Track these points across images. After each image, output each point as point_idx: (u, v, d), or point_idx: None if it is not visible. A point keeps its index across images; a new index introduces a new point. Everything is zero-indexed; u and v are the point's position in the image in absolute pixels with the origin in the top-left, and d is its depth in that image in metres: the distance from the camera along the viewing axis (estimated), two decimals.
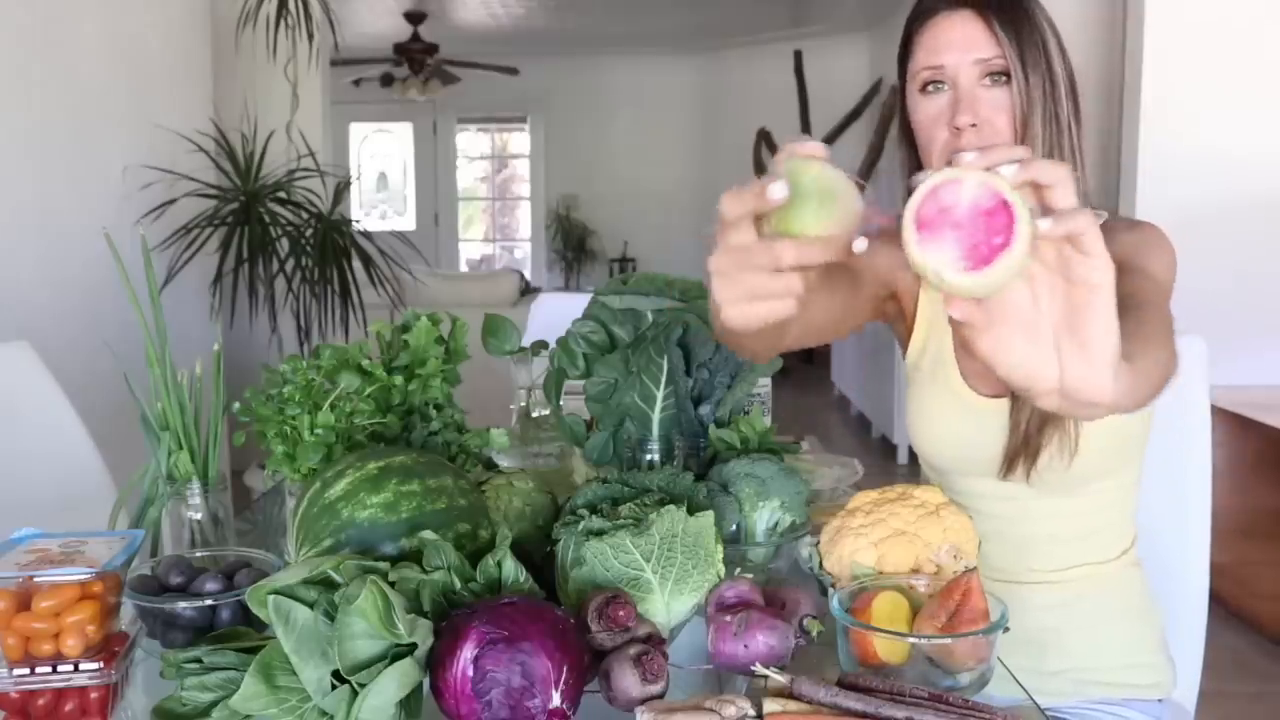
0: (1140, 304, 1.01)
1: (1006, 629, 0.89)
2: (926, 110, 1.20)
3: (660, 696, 0.87)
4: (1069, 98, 1.18)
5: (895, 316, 1.39)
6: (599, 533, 0.99)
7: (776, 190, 0.66)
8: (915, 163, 1.26)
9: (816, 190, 0.66)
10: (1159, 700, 1.30)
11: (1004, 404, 1.23)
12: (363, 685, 0.80)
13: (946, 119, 1.18)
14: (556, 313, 2.16)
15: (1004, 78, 1.16)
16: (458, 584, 0.92)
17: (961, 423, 1.28)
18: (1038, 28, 1.16)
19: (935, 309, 1.32)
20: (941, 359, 1.30)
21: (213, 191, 3.67)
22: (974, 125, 1.16)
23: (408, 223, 10.42)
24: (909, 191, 0.62)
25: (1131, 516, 1.34)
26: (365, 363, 1.24)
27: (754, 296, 0.70)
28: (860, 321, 1.34)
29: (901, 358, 1.39)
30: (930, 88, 1.19)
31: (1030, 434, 1.21)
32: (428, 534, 0.95)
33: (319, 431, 1.17)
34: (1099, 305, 0.64)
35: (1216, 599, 1.57)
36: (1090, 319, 0.64)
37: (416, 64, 8.30)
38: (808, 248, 0.67)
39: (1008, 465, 1.23)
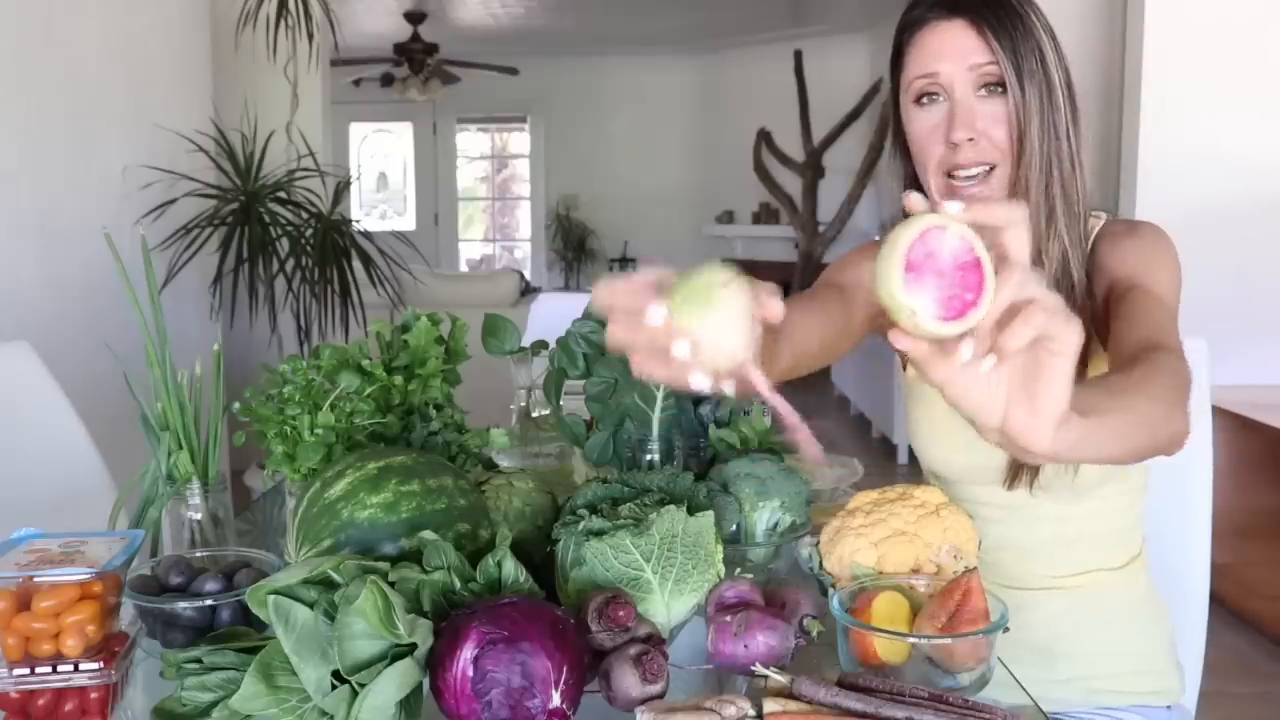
0: (1154, 348, 0.97)
1: (1006, 629, 0.89)
2: (922, 124, 1.17)
3: (660, 696, 0.87)
4: (1067, 104, 1.15)
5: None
6: (599, 533, 0.99)
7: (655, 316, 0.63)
8: (912, 174, 1.23)
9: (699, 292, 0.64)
10: (1167, 707, 1.30)
11: None
12: (363, 685, 0.80)
13: (943, 132, 1.15)
14: (556, 313, 2.16)
15: (1000, 88, 1.13)
16: (458, 584, 0.92)
17: (966, 433, 1.24)
18: (1033, 34, 1.13)
19: None
20: None
21: (213, 191, 3.67)
22: (971, 140, 1.14)
23: (408, 223, 10.43)
24: (883, 228, 0.60)
25: (1138, 522, 1.33)
26: (365, 363, 1.24)
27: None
28: (856, 340, 1.30)
29: (900, 367, 1.37)
30: (925, 99, 1.16)
31: None
32: (428, 534, 0.95)
33: (319, 431, 1.17)
34: (1058, 369, 0.63)
35: (1217, 599, 1.57)
36: (1046, 380, 0.63)
37: (416, 64, 8.30)
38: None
39: (1012, 477, 1.22)
